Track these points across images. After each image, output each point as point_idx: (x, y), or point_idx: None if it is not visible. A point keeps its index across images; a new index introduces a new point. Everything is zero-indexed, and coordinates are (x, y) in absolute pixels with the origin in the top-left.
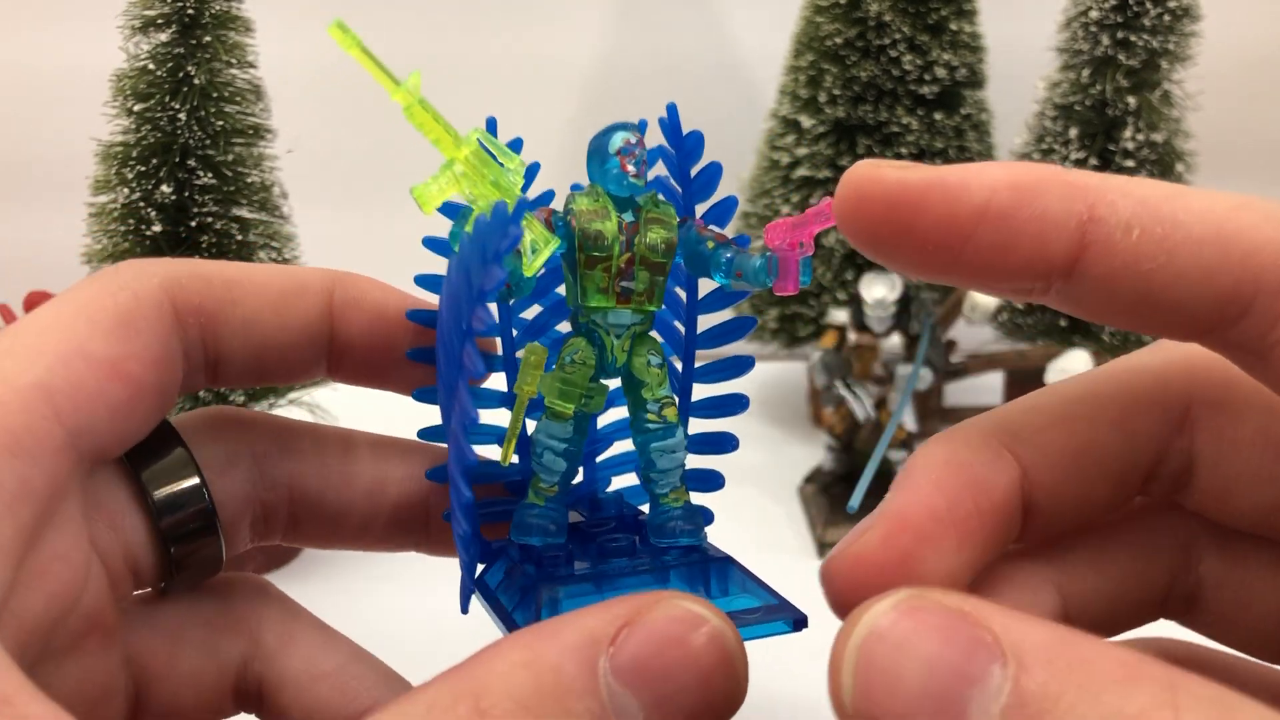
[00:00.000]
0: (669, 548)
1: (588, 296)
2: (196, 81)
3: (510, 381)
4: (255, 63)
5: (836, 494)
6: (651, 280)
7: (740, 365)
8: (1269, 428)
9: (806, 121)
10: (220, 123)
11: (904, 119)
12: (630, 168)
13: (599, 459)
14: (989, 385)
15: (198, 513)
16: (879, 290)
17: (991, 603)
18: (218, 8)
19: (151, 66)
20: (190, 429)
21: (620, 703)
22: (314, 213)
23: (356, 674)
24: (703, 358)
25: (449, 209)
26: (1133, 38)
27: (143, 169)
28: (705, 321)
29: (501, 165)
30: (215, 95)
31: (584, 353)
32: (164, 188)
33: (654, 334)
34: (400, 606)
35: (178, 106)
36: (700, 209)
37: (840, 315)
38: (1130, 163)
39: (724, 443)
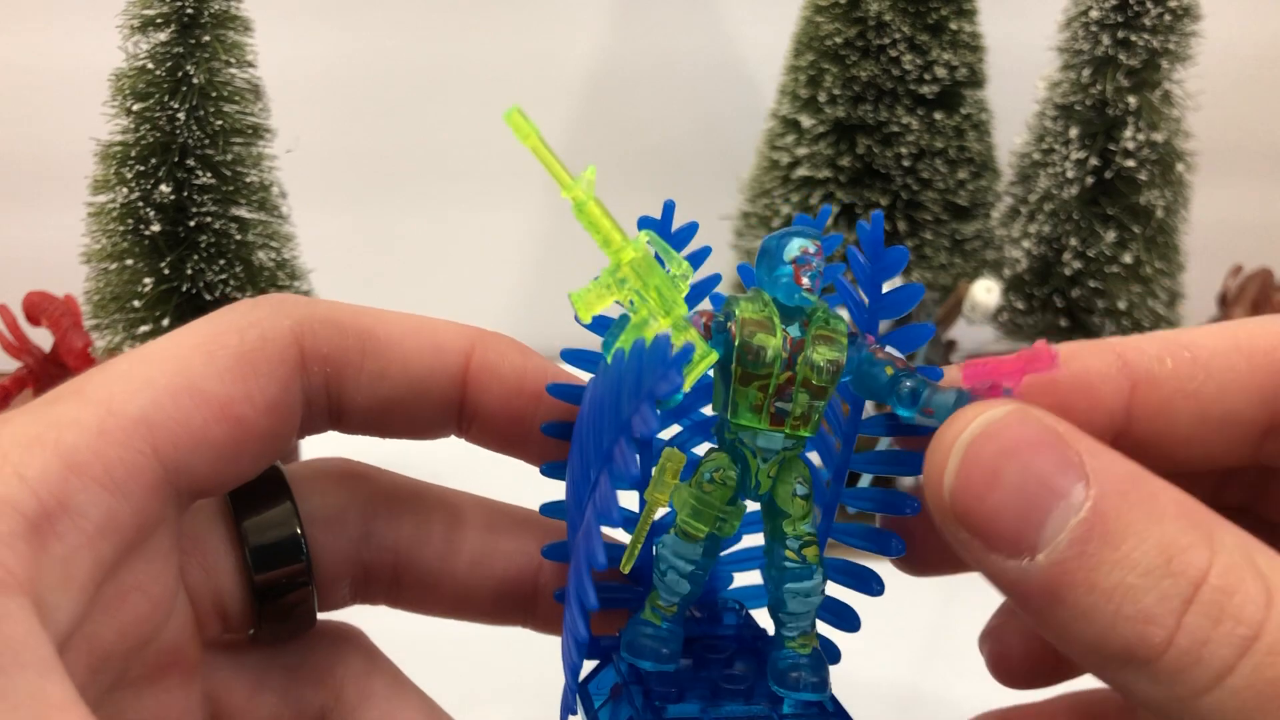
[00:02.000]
0: (787, 697)
1: (738, 413)
2: (195, 81)
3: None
4: (254, 62)
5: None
6: (810, 404)
7: (900, 502)
8: None
9: (806, 121)
10: (219, 122)
11: (904, 119)
12: (805, 280)
13: (725, 552)
14: None
15: (295, 570)
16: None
17: (1079, 430)
18: (217, 7)
19: (150, 66)
20: (303, 478)
21: None
22: (313, 213)
23: None
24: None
25: (597, 322)
26: (1133, 37)
27: (142, 169)
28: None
29: (668, 270)
30: (214, 95)
31: (725, 471)
32: (163, 187)
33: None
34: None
35: (177, 106)
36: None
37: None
38: (1131, 162)
39: (867, 580)
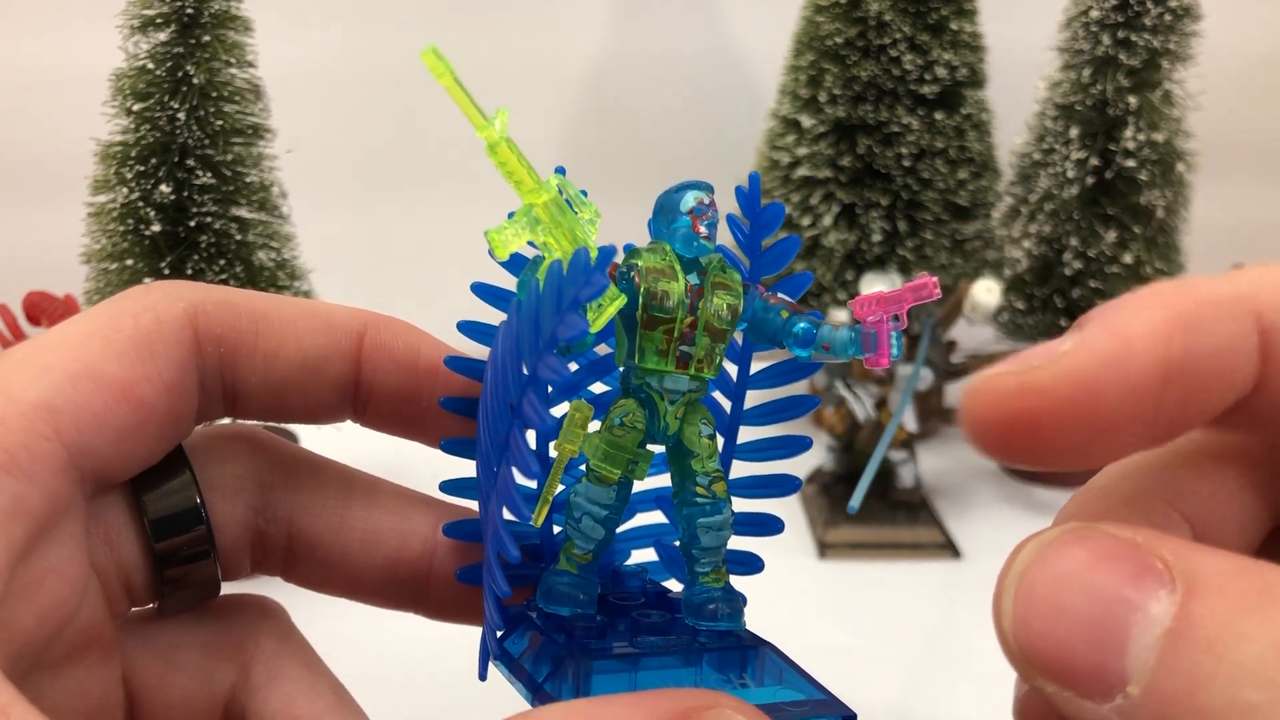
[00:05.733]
0: (705, 630)
1: (645, 358)
2: (195, 81)
3: (542, 443)
4: (255, 62)
5: (837, 494)
6: (712, 347)
7: (793, 445)
8: None
9: (807, 121)
10: (219, 122)
11: (904, 119)
12: (702, 229)
13: (621, 529)
14: None
15: (195, 536)
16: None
17: (1165, 534)
18: (217, 7)
19: (150, 66)
20: (201, 446)
21: None
22: (313, 213)
23: None
24: (747, 434)
25: (514, 260)
26: (1133, 37)
27: (142, 169)
28: (756, 397)
29: (577, 215)
30: (214, 95)
31: (635, 415)
32: (163, 187)
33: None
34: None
35: (177, 106)
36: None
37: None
38: (1131, 162)
39: (768, 524)
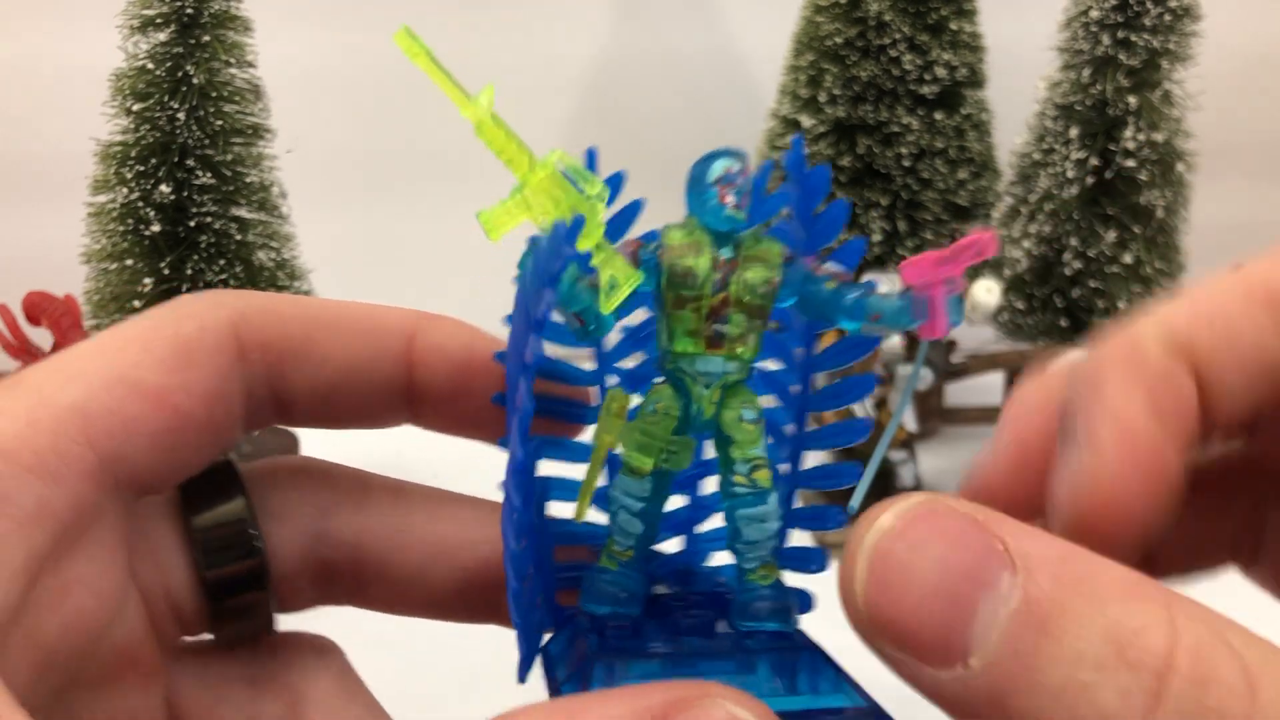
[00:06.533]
0: (753, 632)
1: (675, 340)
2: (195, 81)
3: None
4: (254, 62)
5: (837, 494)
6: (749, 324)
7: (856, 430)
8: None
9: (807, 121)
10: (219, 122)
11: (904, 119)
12: (730, 199)
13: (700, 529)
14: (989, 385)
15: (248, 565)
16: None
17: (1002, 514)
18: (216, 7)
19: (150, 66)
20: (258, 475)
21: None
22: (313, 212)
23: None
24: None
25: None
26: (1133, 37)
27: (141, 169)
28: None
29: (581, 190)
30: (214, 95)
31: (667, 402)
32: (163, 187)
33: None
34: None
35: (176, 106)
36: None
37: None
38: (1131, 162)
39: (829, 517)
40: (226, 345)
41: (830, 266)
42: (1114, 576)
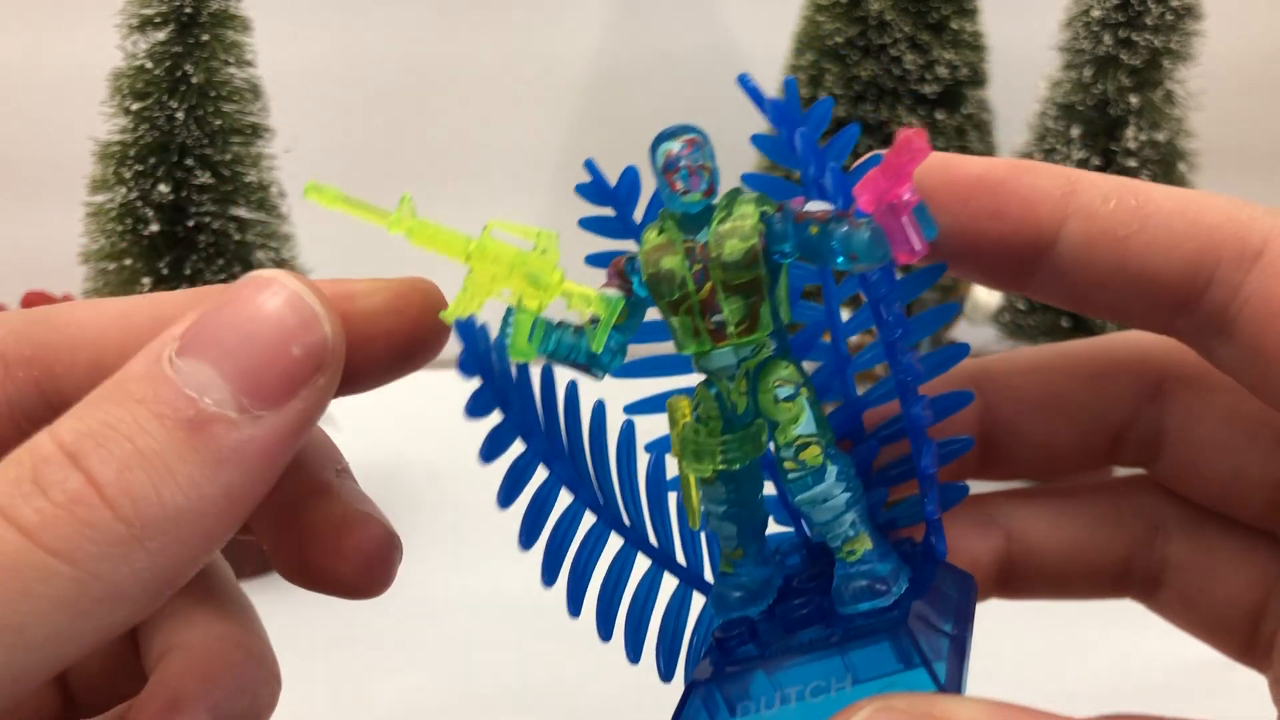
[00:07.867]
0: (849, 615)
1: (682, 344)
2: (194, 80)
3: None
4: (253, 61)
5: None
6: (746, 305)
7: (953, 353)
8: (1235, 405)
9: None
10: (218, 122)
11: (905, 118)
12: (679, 184)
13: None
14: None
15: None
16: (809, 208)
17: (954, 697)
18: (215, 6)
19: (149, 65)
20: None
21: None
22: (312, 212)
23: None
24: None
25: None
26: (1135, 37)
27: (140, 168)
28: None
29: (530, 249)
30: (213, 94)
31: (707, 406)
32: (161, 187)
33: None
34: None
35: (175, 105)
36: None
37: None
38: (1132, 162)
39: (959, 401)
40: None
41: (812, 207)
42: None
